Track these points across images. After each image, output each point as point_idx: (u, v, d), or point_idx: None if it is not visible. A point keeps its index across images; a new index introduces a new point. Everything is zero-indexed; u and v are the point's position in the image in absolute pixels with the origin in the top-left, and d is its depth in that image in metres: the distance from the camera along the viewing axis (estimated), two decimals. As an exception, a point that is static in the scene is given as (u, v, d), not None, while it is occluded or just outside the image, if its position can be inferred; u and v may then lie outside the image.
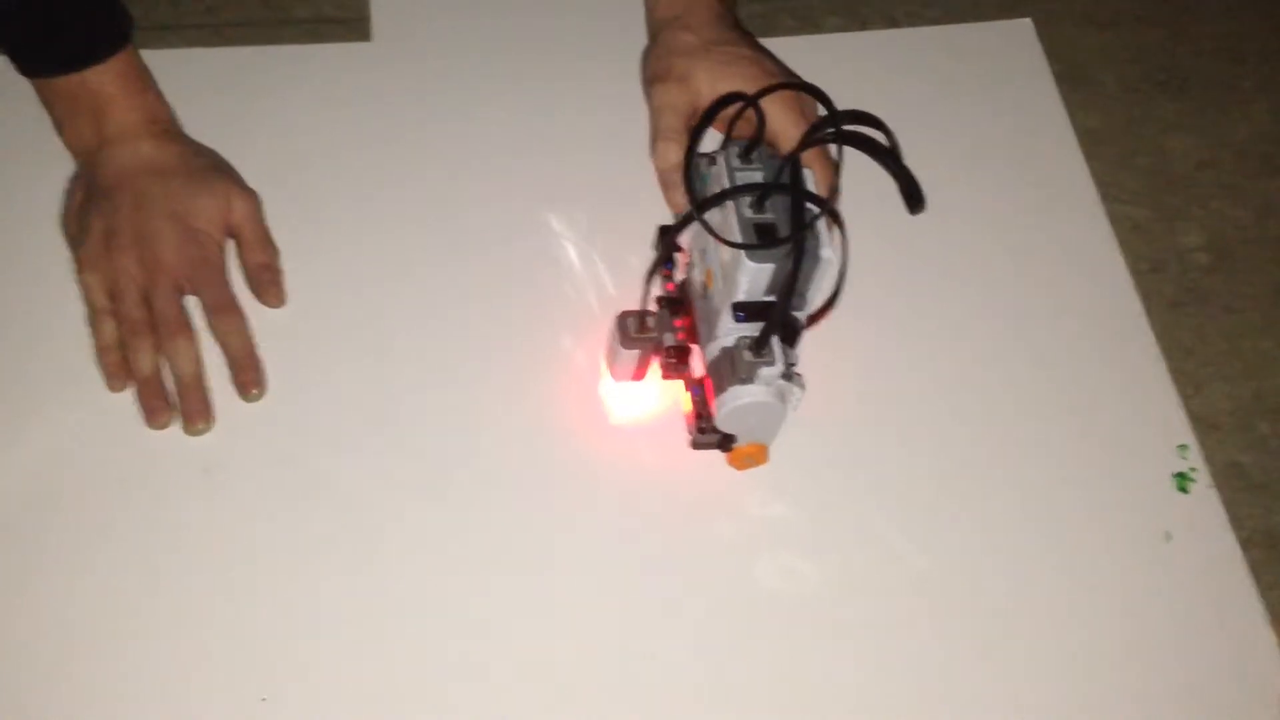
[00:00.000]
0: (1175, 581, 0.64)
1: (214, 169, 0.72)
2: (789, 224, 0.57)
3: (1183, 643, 0.62)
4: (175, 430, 0.66)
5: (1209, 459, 0.68)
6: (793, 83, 0.64)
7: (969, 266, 0.65)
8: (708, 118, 0.66)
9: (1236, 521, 0.66)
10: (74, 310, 0.68)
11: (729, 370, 0.60)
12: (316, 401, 0.67)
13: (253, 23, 0.84)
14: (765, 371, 0.59)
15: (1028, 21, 0.87)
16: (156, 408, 0.66)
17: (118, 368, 0.67)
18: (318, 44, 0.83)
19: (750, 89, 0.63)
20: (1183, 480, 0.67)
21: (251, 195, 0.73)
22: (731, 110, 0.62)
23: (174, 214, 0.69)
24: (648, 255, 0.66)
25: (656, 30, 0.75)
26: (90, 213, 0.69)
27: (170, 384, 0.67)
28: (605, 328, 0.65)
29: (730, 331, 0.60)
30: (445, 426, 0.67)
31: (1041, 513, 0.66)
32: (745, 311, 0.59)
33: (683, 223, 0.61)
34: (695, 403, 0.63)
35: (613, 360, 0.65)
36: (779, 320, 0.59)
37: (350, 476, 0.65)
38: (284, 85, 0.80)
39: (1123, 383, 0.70)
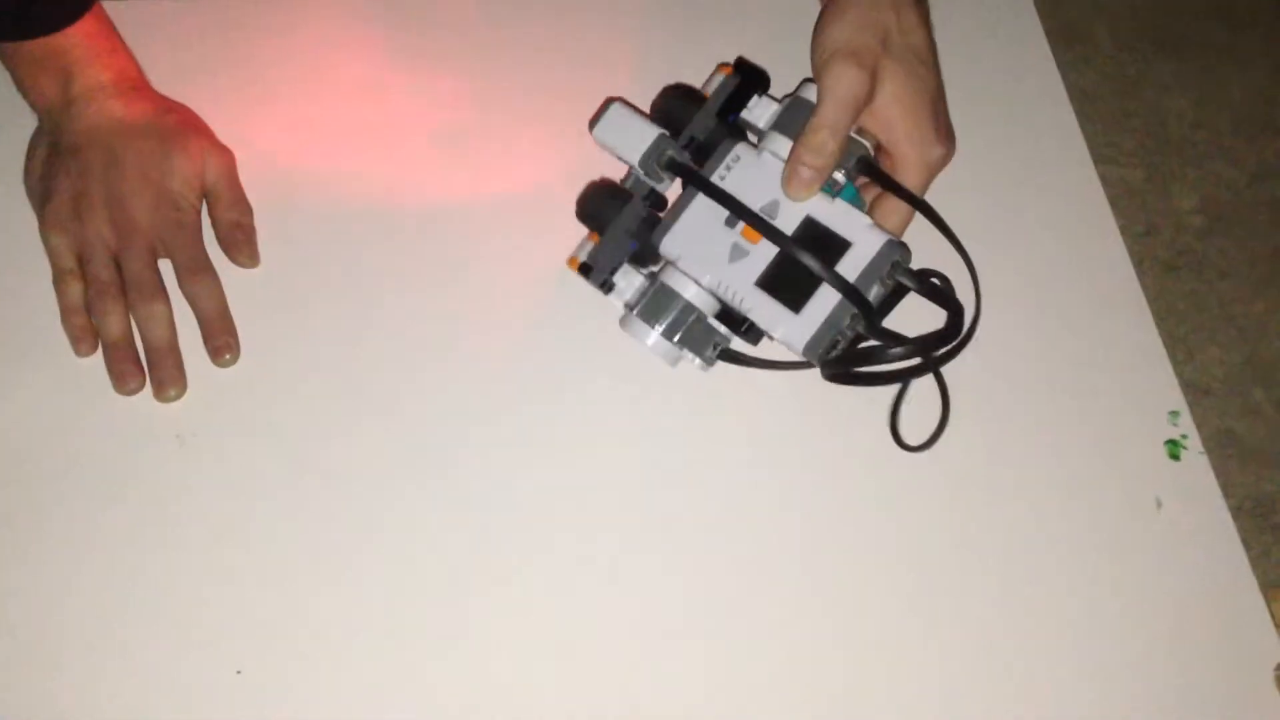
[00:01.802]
0: (1165, 549, 0.63)
1: (187, 126, 0.70)
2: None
3: (1172, 611, 0.62)
4: (145, 396, 0.64)
5: (1200, 425, 0.67)
6: (947, 227, 0.64)
7: (957, 229, 0.64)
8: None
9: (1227, 489, 0.65)
10: (37, 271, 0.67)
11: (686, 321, 0.62)
12: (292, 366, 0.66)
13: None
14: (693, 358, 0.62)
15: (1020, -22, 0.85)
16: (126, 372, 0.64)
17: (84, 331, 0.65)
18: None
19: (916, 110, 0.63)
20: (1174, 447, 0.66)
21: (226, 153, 0.71)
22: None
23: (147, 174, 0.67)
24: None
25: None
26: (56, 172, 0.67)
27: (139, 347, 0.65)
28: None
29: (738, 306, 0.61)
30: (426, 392, 0.66)
31: (1030, 479, 0.65)
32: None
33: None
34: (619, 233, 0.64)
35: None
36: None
37: (327, 444, 0.64)
38: (257, 37, 0.78)
39: (1114, 348, 0.69)
